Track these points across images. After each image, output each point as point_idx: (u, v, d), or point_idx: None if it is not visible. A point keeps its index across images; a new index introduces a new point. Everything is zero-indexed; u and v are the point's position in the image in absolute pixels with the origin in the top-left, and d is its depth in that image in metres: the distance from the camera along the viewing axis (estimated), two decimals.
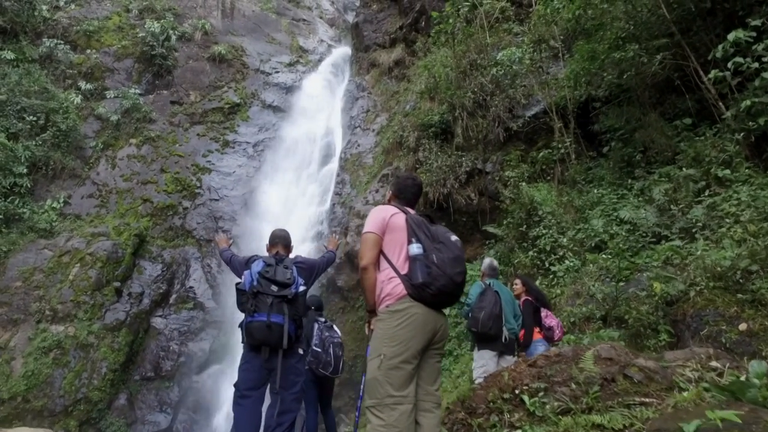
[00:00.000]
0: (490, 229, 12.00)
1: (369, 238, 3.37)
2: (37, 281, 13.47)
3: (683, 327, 7.45)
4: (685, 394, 3.02)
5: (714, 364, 3.80)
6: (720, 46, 8.99)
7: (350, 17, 26.17)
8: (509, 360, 6.16)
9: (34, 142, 15.65)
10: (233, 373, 13.91)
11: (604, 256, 9.49)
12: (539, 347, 6.38)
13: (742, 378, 3.04)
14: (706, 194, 8.80)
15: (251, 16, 22.66)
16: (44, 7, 18.95)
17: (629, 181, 10.80)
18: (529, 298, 6.64)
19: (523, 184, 11.43)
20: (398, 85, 18.20)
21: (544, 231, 10.53)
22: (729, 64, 8.74)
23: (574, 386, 3.37)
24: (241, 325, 4.42)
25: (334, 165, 17.69)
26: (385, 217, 3.42)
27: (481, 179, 13.46)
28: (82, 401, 12.43)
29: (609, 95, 11.79)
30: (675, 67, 10.44)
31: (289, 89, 20.64)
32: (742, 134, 8.91)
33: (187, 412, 13.29)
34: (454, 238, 3.38)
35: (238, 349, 13.75)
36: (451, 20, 14.30)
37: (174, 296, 14.89)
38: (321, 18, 25.08)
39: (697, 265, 7.54)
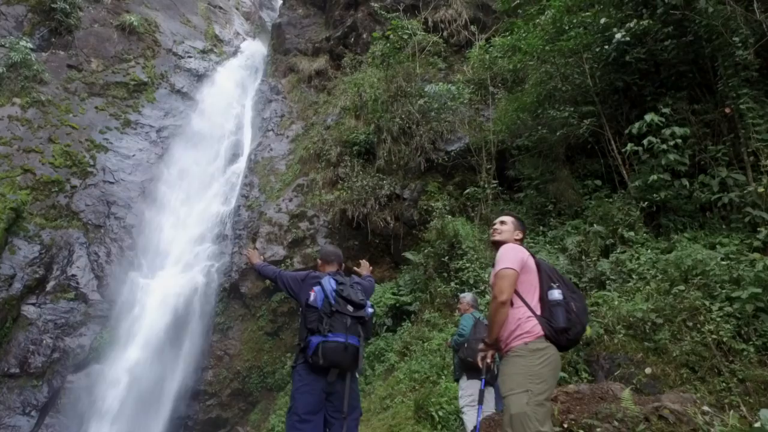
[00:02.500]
0: (409, 255, 12.38)
1: (510, 275, 3.49)
2: None
3: (597, 367, 8.42)
4: None
5: (705, 408, 4.44)
6: (637, 124, 10.35)
7: (265, 14, 25.57)
8: (490, 390, 6.55)
9: None
10: (116, 374, 12.78)
11: None
12: None
13: (757, 425, 3.61)
14: (619, 251, 9.94)
15: None
16: None
17: (541, 228, 11.83)
18: None
19: (449, 216, 12.00)
20: (318, 95, 18.12)
21: (467, 265, 11.11)
22: (645, 141, 10.07)
23: (616, 423, 3.76)
24: (305, 345, 4.16)
25: (241, 165, 17.06)
26: (524, 258, 3.59)
27: (398, 204, 13.84)
28: None
29: (528, 146, 12.86)
30: (592, 132, 11.73)
31: (200, 77, 19.47)
32: (645, 203, 10.25)
33: (57, 415, 11.78)
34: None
35: (123, 348, 12.63)
36: (389, 44, 14.65)
37: (52, 283, 13.17)
38: (237, 9, 24.14)
39: (614, 313, 8.50)
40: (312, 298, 4.25)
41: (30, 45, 16.33)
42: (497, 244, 3.87)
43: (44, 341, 12.37)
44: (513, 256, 3.58)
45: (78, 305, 13.14)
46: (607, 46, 11.16)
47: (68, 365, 12.49)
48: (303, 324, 4.28)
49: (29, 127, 15.11)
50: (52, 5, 17.20)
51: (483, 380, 3.99)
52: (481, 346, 3.77)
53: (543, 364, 3.36)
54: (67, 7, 17.36)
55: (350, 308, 4.22)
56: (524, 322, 3.46)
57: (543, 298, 3.53)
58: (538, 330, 3.43)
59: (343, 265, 4.84)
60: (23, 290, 12.73)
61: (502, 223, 3.92)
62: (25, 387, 11.92)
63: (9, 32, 16.52)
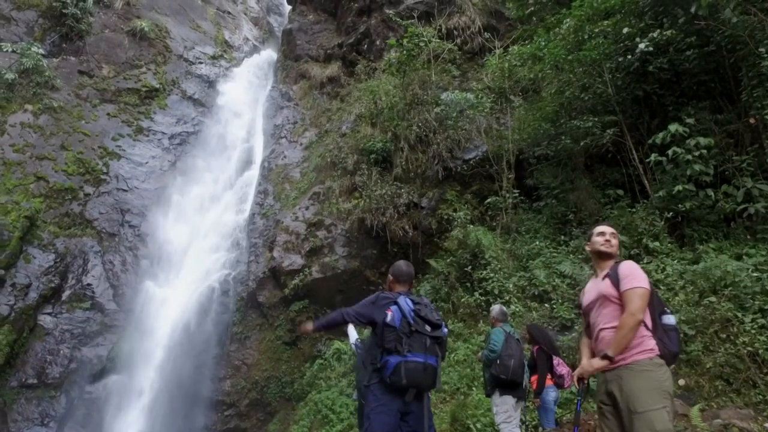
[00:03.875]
0: (432, 262, 12.30)
1: (646, 294, 3.49)
2: None
3: None
4: None
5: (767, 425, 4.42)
6: (661, 134, 10.32)
7: (273, 20, 25.48)
8: (521, 405, 6.51)
9: None
10: (134, 385, 12.63)
11: (548, 305, 10.29)
12: (551, 393, 6.80)
13: None
14: (644, 261, 9.90)
15: None
16: None
17: (562, 237, 11.78)
18: (542, 346, 7.00)
19: (471, 226, 11.93)
20: (331, 102, 18.02)
21: (491, 275, 11.05)
22: (669, 151, 10.05)
23: None
24: (382, 365, 4.07)
25: (254, 172, 16.96)
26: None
27: (416, 213, 13.77)
28: None
29: (547, 155, 12.82)
30: (612, 141, 11.70)
31: (211, 83, 19.37)
32: (670, 213, 10.21)
33: (75, 426, 11.63)
34: None
35: (140, 358, 12.49)
36: (404, 51, 14.60)
37: (68, 292, 13.00)
38: (245, 14, 24.05)
39: None
40: (390, 317, 4.14)
41: (41, 51, 16.19)
42: (603, 256, 3.82)
43: (61, 351, 12.21)
44: (645, 277, 3.58)
45: (94, 315, 12.99)
46: (629, 56, 11.12)
47: (86, 376, 12.34)
48: (378, 343, 4.17)
49: (41, 134, 14.96)
50: (63, 11, 17.08)
51: (579, 402, 3.89)
52: (599, 363, 3.57)
53: (669, 381, 3.39)
54: (78, 12, 17.23)
55: (428, 328, 4.15)
56: (647, 339, 3.46)
57: (655, 321, 3.53)
58: (657, 349, 3.44)
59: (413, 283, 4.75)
60: (39, 299, 12.59)
61: (614, 235, 3.86)
62: (43, 398, 11.76)
63: (20, 38, 16.37)
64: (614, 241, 3.82)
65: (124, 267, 13.84)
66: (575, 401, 4.08)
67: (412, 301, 4.26)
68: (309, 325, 4.66)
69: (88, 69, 17.00)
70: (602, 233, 3.86)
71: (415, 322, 4.11)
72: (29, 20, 16.92)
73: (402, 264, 4.65)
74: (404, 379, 3.96)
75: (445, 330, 4.32)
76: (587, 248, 4.04)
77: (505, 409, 6.25)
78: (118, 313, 13.19)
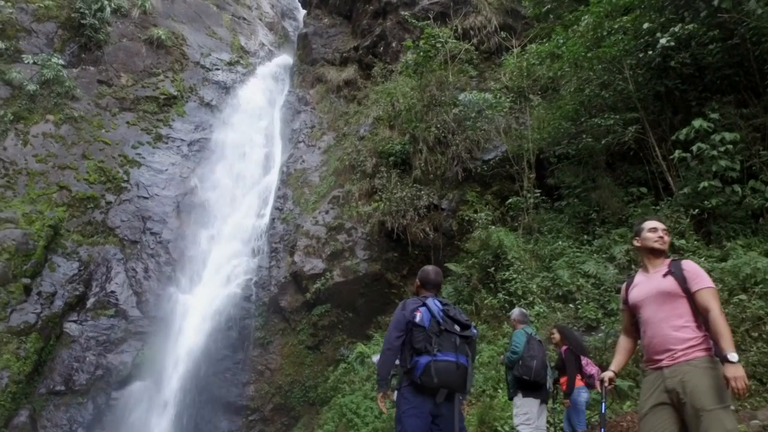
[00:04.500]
0: (452, 266, 12.22)
1: (717, 293, 3.48)
2: None
3: None
4: None
5: None
6: (684, 130, 10.15)
7: (287, 24, 25.60)
8: (544, 407, 6.46)
9: None
10: (159, 391, 12.72)
11: (572, 306, 10.17)
12: (582, 394, 6.71)
13: None
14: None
15: (192, 3, 21.13)
16: None
17: (585, 236, 11.63)
18: (570, 347, 6.92)
19: (492, 227, 11.83)
20: (347, 105, 18.05)
21: (514, 275, 10.95)
22: (694, 148, 9.87)
23: None
24: (412, 366, 4.02)
25: (273, 177, 17.02)
26: None
27: (436, 215, 13.70)
28: None
29: (568, 153, 12.67)
30: (634, 138, 11.53)
31: (228, 89, 19.48)
32: (696, 210, 10.02)
33: None
34: None
35: (165, 365, 12.55)
36: (421, 53, 14.55)
37: (92, 300, 13.14)
38: (260, 20, 24.19)
39: None
40: (419, 318, 4.10)
41: (61, 61, 16.42)
42: (656, 253, 3.71)
43: (87, 358, 12.35)
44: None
45: (118, 322, 13.11)
46: (650, 52, 10.94)
47: (112, 382, 12.45)
48: (408, 345, 4.13)
49: (63, 143, 15.18)
50: (82, 21, 17.32)
51: (604, 404, 3.85)
52: (733, 369, 3.29)
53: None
54: (96, 22, 17.46)
55: (457, 328, 4.12)
56: (707, 338, 3.39)
57: (707, 321, 3.44)
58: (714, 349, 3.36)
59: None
60: (64, 307, 12.76)
61: (666, 231, 3.73)
62: (71, 404, 11.89)
63: (40, 49, 16.63)
64: (666, 238, 3.69)
65: (147, 274, 13.97)
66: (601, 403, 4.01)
67: (440, 302, 4.25)
68: (383, 393, 4.32)
69: (107, 78, 17.21)
70: (654, 229, 3.72)
71: (445, 322, 4.09)
72: (49, 32, 17.18)
73: (431, 271, 4.59)
74: (435, 378, 3.91)
75: (475, 331, 4.27)
76: (636, 243, 3.88)
77: (525, 411, 6.22)
78: (142, 319, 13.30)
